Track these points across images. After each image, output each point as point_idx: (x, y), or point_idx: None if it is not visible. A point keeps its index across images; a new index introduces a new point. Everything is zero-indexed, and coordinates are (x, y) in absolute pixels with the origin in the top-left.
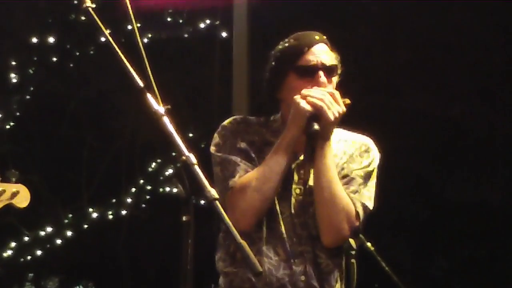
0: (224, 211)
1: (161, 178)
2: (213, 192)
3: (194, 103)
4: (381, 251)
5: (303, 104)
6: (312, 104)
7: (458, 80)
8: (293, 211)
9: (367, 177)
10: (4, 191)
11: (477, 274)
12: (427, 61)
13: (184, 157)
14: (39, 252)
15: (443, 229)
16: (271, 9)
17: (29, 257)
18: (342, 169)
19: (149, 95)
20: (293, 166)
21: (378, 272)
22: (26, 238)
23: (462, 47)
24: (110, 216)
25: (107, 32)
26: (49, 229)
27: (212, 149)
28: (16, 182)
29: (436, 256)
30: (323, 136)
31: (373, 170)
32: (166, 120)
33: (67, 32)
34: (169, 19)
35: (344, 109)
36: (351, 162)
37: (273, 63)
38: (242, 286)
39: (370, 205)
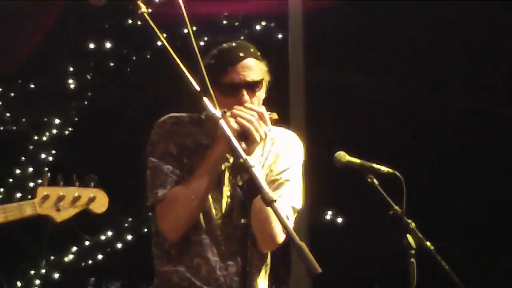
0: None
1: None
2: (272, 194)
3: None
4: (441, 251)
5: (232, 123)
6: (241, 125)
7: None
8: (224, 212)
9: (292, 176)
10: (79, 196)
11: None
12: (483, 60)
13: (241, 160)
14: (100, 257)
15: (505, 229)
16: (326, 14)
17: (90, 262)
18: (271, 171)
19: (205, 99)
20: (223, 167)
21: (437, 272)
22: (87, 243)
23: None
24: None
25: (162, 36)
26: (109, 233)
27: (148, 149)
28: (94, 187)
29: (498, 256)
30: (249, 153)
31: (297, 167)
32: (223, 123)
33: (123, 37)
34: (224, 22)
35: (271, 128)
36: (278, 162)
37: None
38: (181, 284)
39: (299, 204)
